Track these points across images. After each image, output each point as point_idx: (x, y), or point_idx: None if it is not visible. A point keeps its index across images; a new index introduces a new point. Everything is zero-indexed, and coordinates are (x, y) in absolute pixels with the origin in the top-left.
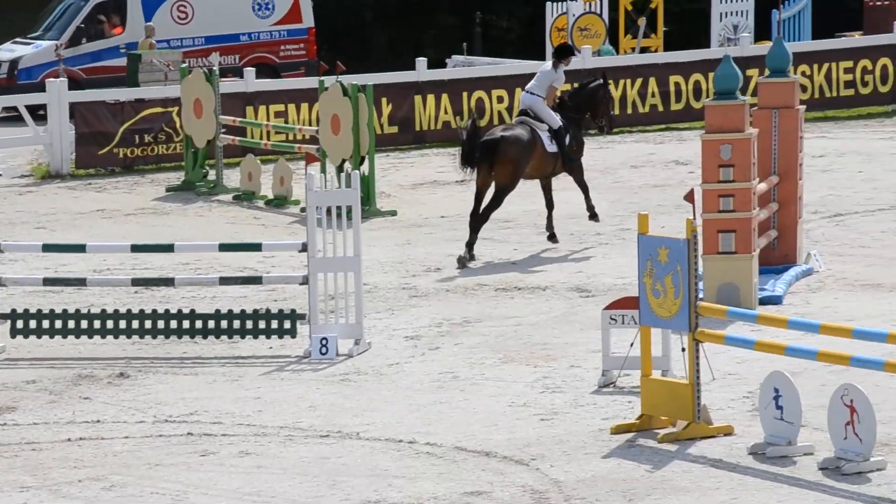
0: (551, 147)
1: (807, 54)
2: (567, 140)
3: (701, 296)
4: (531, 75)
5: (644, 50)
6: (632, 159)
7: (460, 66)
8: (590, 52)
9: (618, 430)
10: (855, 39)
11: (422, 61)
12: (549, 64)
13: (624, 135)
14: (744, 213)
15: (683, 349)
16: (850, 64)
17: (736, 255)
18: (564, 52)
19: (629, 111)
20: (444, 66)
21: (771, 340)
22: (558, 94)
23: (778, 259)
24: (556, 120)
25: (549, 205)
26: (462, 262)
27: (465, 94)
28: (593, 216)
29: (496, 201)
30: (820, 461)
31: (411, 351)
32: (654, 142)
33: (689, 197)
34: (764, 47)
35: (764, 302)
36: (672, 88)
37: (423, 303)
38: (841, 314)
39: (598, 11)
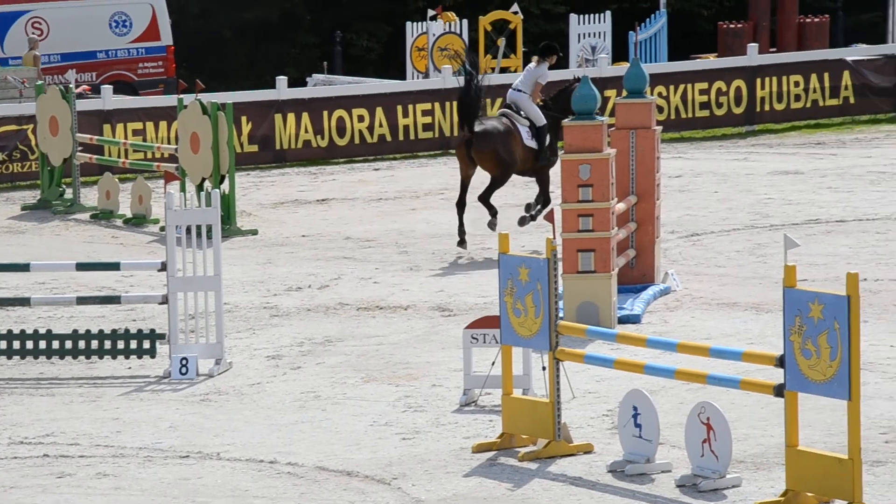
0: (530, 142)
1: (663, 76)
2: (548, 140)
3: (561, 315)
4: (393, 94)
5: (504, 70)
6: None
7: (320, 85)
8: (450, 71)
9: (479, 448)
10: (710, 61)
11: (282, 80)
12: (534, 62)
13: None
14: (603, 232)
15: (544, 368)
16: (705, 85)
17: (595, 275)
18: (549, 51)
19: None
20: (304, 84)
21: (630, 359)
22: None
23: (636, 278)
24: (541, 117)
25: (542, 198)
26: (462, 245)
27: (325, 113)
28: (526, 215)
29: (490, 188)
30: (677, 478)
31: (273, 370)
32: None
33: (549, 216)
34: (621, 68)
35: (623, 321)
36: None
37: (285, 322)
38: (698, 333)
39: (458, 31)
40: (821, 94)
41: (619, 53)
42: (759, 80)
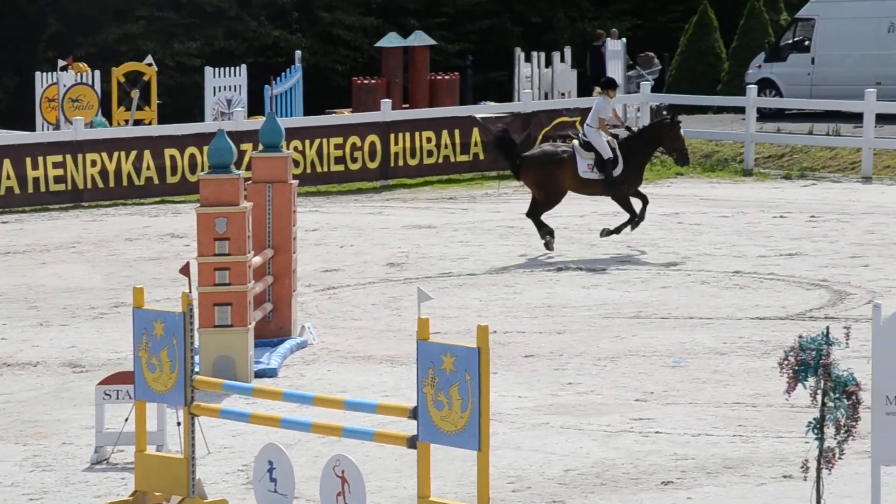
0: (587, 173)
1: (299, 130)
2: (618, 170)
3: (197, 369)
4: (21, 146)
5: (138, 122)
6: (127, 232)
7: None
8: (82, 123)
9: None
10: (344, 116)
11: None
12: (598, 97)
13: (118, 207)
14: (239, 286)
15: (179, 423)
16: (340, 140)
17: (232, 329)
18: (608, 85)
19: (125, 183)
20: None
21: (266, 413)
22: (617, 123)
23: (273, 332)
24: (607, 150)
25: (631, 214)
26: (548, 245)
27: None
28: (630, 224)
29: (532, 207)
30: None
31: None
32: (150, 214)
33: (185, 270)
34: (257, 122)
35: (259, 375)
36: (168, 161)
37: None
38: (334, 386)
39: (90, 83)
40: (452, 149)
41: (255, 107)
42: (392, 136)
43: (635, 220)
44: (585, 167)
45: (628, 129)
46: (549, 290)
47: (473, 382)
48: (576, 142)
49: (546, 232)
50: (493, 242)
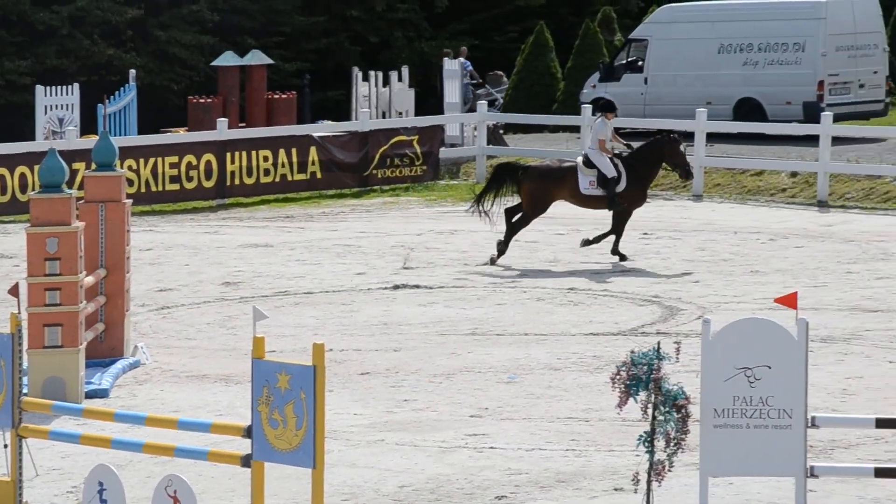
0: (588, 189)
1: (133, 149)
2: (622, 186)
3: (26, 391)
4: None
5: None
6: None
7: None
8: None
9: None
10: (180, 135)
11: None
12: (597, 120)
13: None
14: (71, 306)
15: (6, 445)
16: (175, 159)
17: (62, 349)
18: (605, 108)
19: None
20: None
21: (97, 434)
22: (613, 143)
23: (105, 352)
24: (611, 170)
25: (614, 231)
26: (493, 260)
27: None
28: (617, 255)
29: (521, 222)
30: None
31: None
32: None
33: (14, 291)
34: (90, 141)
35: (91, 395)
36: None
37: None
38: (168, 405)
39: None
40: (289, 168)
41: (88, 126)
42: (229, 154)
43: (607, 235)
44: (587, 184)
45: (629, 146)
46: (385, 308)
47: (308, 400)
48: (579, 159)
49: (502, 249)
50: (329, 261)
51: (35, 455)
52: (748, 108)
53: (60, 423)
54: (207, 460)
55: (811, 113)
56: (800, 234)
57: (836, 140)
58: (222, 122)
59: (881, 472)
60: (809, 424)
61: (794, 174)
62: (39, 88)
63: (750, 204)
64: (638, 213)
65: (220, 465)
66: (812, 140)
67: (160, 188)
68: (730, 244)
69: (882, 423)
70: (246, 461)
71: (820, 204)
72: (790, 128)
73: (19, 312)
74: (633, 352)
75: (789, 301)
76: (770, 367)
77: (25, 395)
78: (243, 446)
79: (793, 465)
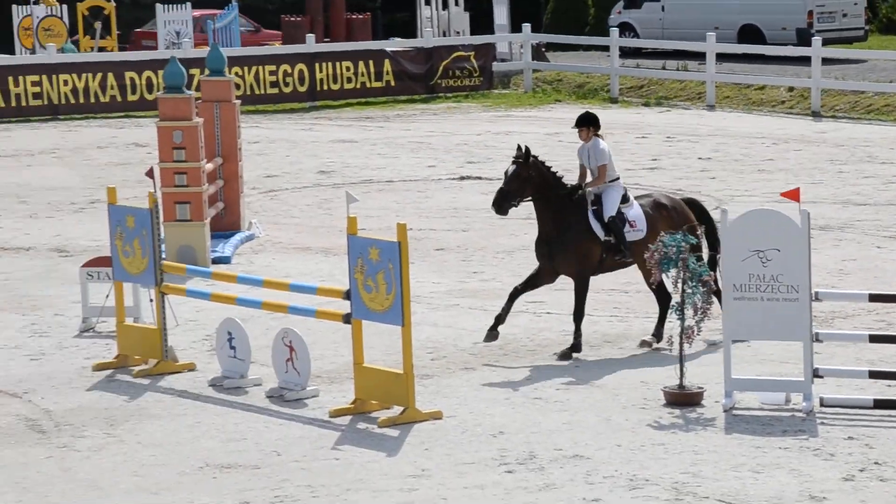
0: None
1: (238, 58)
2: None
3: (164, 256)
4: (4, 67)
5: (102, 49)
6: (98, 141)
7: None
8: (54, 49)
9: (98, 367)
10: (276, 48)
11: None
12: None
13: (90, 120)
14: (195, 187)
15: (151, 300)
16: (273, 67)
17: (191, 223)
18: (582, 123)
19: (92, 100)
20: None
21: (224, 293)
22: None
23: (226, 226)
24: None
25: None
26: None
27: None
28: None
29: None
30: (267, 390)
31: None
32: (116, 127)
33: (149, 173)
34: (203, 51)
35: (216, 261)
36: (128, 82)
37: None
38: (279, 271)
39: (59, 14)
40: (368, 77)
41: (200, 38)
42: (317, 65)
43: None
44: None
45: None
46: (454, 196)
47: (395, 270)
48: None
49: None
50: (405, 155)
51: (174, 309)
52: (750, 33)
53: (193, 284)
54: (315, 318)
55: (803, 37)
56: (798, 139)
57: (825, 61)
58: (310, 37)
59: (875, 338)
60: (813, 298)
61: (791, 89)
62: (159, 7)
63: (755, 114)
64: (660, 120)
65: (325, 321)
66: (804, 61)
67: (262, 91)
68: (739, 147)
69: (874, 298)
70: (347, 318)
71: (814, 114)
72: (786, 50)
73: (155, 192)
74: (663, 234)
75: (793, 195)
76: (779, 250)
77: (164, 259)
78: (344, 307)
79: (800, 332)
